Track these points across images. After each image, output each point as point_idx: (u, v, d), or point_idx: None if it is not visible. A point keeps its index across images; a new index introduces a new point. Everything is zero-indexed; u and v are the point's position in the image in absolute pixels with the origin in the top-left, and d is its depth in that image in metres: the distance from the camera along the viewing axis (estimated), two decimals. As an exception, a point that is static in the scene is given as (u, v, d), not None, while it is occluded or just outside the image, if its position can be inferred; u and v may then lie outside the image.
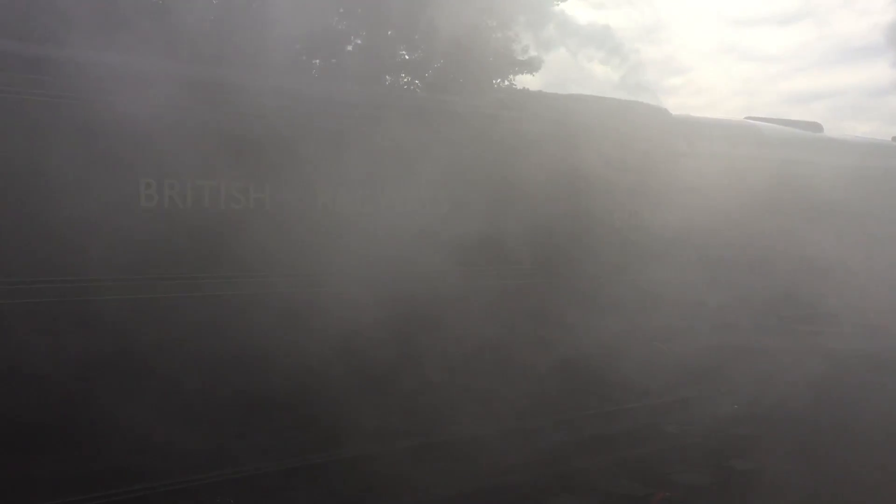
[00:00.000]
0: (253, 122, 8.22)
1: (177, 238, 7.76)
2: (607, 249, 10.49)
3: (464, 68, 21.80)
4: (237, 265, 8.04)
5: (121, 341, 7.24)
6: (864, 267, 11.44)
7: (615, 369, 8.78)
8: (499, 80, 24.03)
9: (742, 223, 11.78)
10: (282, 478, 6.88)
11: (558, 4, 22.18)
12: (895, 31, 14.61)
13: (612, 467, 6.95)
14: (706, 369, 8.12)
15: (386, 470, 7.02)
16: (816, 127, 15.56)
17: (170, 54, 10.95)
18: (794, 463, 6.43)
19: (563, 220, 10.26)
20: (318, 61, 22.50)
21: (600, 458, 7.17)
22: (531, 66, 24.33)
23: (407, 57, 23.99)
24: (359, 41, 23.21)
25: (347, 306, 8.08)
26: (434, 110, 9.71)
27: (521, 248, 9.69)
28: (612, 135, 10.53)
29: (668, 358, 8.94)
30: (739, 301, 10.49)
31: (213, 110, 8.07)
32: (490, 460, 7.42)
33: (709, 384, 8.08)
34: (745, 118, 14.75)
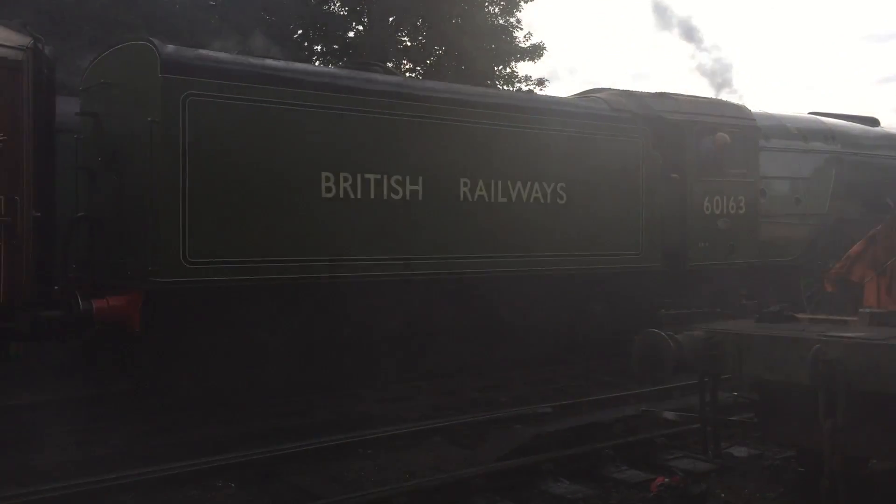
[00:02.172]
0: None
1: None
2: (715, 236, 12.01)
3: (465, 55, 21.74)
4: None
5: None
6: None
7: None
8: (500, 67, 23.97)
9: (808, 209, 13.38)
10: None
11: None
12: None
13: (611, 453, 6.96)
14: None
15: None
16: (873, 121, 16.31)
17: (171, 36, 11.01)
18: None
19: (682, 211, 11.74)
20: (319, 47, 22.43)
21: (599, 444, 7.18)
22: (533, 54, 24.27)
23: (409, 43, 23.92)
24: (360, 27, 23.14)
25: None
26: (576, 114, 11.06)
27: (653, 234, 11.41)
28: (714, 131, 11.86)
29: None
30: None
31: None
32: (489, 445, 7.48)
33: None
34: (809, 113, 15.39)
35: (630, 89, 12.29)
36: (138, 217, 8.13)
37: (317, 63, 21.43)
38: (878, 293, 7.88)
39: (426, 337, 10.07)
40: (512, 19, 24.15)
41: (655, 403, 9.01)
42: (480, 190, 9.80)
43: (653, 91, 12.35)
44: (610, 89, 12.36)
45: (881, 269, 7.94)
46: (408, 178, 9.27)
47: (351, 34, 23.20)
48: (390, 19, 22.52)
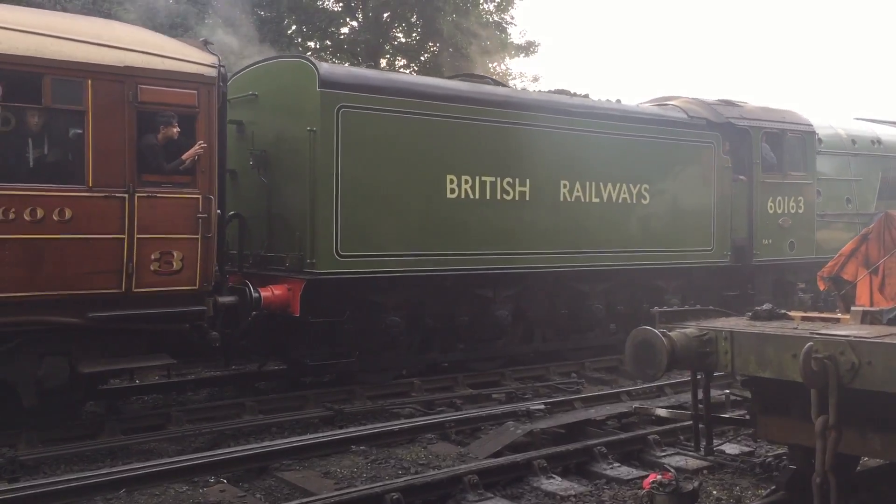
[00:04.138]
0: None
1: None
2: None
3: (459, 51, 21.72)
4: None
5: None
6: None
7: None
8: (495, 64, 23.98)
9: (858, 209, 14.44)
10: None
11: None
12: None
13: (603, 450, 6.97)
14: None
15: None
16: None
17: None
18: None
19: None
20: (313, 43, 22.37)
21: (592, 441, 7.19)
22: (528, 50, 24.30)
23: (403, 40, 23.89)
24: (354, 24, 23.09)
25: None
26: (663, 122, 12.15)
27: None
28: (776, 136, 13.12)
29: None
30: None
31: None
32: (481, 442, 7.47)
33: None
34: (855, 118, 16.46)
35: (699, 97, 13.21)
36: (295, 216, 9.17)
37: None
38: (871, 291, 7.91)
39: (529, 325, 11.20)
40: (506, 16, 24.18)
41: (648, 400, 9.04)
42: (577, 191, 10.87)
43: (719, 99, 13.27)
44: (681, 97, 13.23)
45: (873, 268, 7.97)
46: (517, 181, 10.31)
47: (345, 30, 23.16)
48: (385, 15, 22.48)
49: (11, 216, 6.91)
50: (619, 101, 12.18)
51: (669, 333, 5.08)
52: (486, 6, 24.19)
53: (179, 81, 7.75)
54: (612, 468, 6.77)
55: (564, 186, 10.77)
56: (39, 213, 7.03)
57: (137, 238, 7.45)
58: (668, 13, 56.72)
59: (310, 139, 8.91)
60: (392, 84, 9.71)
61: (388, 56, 23.42)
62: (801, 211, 13.27)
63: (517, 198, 10.32)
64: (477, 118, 10.05)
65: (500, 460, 6.73)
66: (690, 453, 6.97)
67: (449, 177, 9.77)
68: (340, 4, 23.21)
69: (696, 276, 12.33)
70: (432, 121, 9.69)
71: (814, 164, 13.52)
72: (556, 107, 10.92)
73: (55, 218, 7.09)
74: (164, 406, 8.86)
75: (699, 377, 5.72)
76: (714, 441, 6.13)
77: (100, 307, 7.38)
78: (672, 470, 6.61)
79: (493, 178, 10.12)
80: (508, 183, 10.26)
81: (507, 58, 24.44)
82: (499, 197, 10.17)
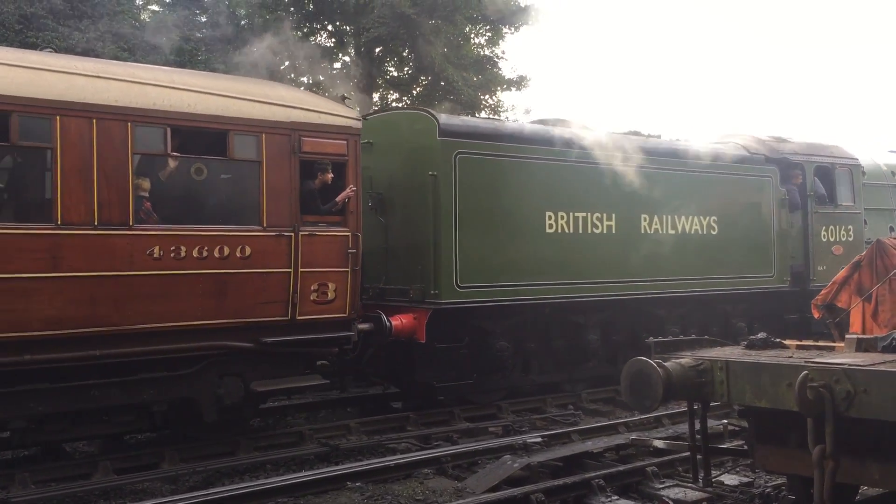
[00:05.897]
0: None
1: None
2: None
3: (451, 85, 21.90)
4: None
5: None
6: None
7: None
8: (486, 97, 24.16)
9: None
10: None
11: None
12: None
13: (601, 483, 6.92)
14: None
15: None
16: None
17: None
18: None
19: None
20: (305, 79, 22.52)
21: (589, 474, 7.14)
22: (519, 84, 24.49)
23: (395, 74, 24.09)
24: (347, 59, 23.29)
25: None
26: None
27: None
28: (826, 170, 14.00)
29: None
30: None
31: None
32: (478, 476, 7.42)
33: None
34: (890, 151, 17.65)
35: (756, 135, 14.15)
36: (418, 251, 10.05)
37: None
38: (864, 319, 7.92)
39: (614, 348, 11.79)
40: (497, 50, 24.42)
41: (645, 431, 9.00)
42: (655, 224, 11.76)
43: (774, 135, 14.19)
44: (741, 135, 14.09)
45: (866, 296, 7.99)
46: (605, 215, 11.20)
47: (338, 65, 23.34)
48: (377, 50, 22.67)
49: (204, 254, 7.97)
50: (687, 140, 12.98)
51: (665, 364, 5.08)
52: (476, 40, 24.43)
53: (333, 133, 8.91)
54: (610, 501, 6.72)
55: (644, 220, 11.63)
56: (226, 250, 8.11)
57: (301, 271, 8.51)
58: (669, 42, 57.16)
59: (431, 183, 9.86)
60: (499, 131, 10.68)
61: (380, 90, 23.57)
62: (850, 239, 14.11)
63: (605, 231, 11.19)
64: (570, 160, 10.89)
65: (498, 495, 6.69)
66: (689, 485, 6.91)
67: (548, 213, 10.63)
68: (333, 40, 23.41)
69: (758, 300, 13.06)
70: (533, 163, 10.60)
71: (861, 194, 14.38)
72: (637, 146, 11.69)
73: (238, 255, 8.20)
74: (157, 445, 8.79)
75: (696, 407, 5.71)
76: (712, 472, 6.10)
77: (270, 333, 8.43)
78: (670, 502, 6.58)
79: (584, 214, 10.99)
80: (597, 217, 11.13)
81: (499, 91, 24.61)
82: (589, 231, 11.05)
